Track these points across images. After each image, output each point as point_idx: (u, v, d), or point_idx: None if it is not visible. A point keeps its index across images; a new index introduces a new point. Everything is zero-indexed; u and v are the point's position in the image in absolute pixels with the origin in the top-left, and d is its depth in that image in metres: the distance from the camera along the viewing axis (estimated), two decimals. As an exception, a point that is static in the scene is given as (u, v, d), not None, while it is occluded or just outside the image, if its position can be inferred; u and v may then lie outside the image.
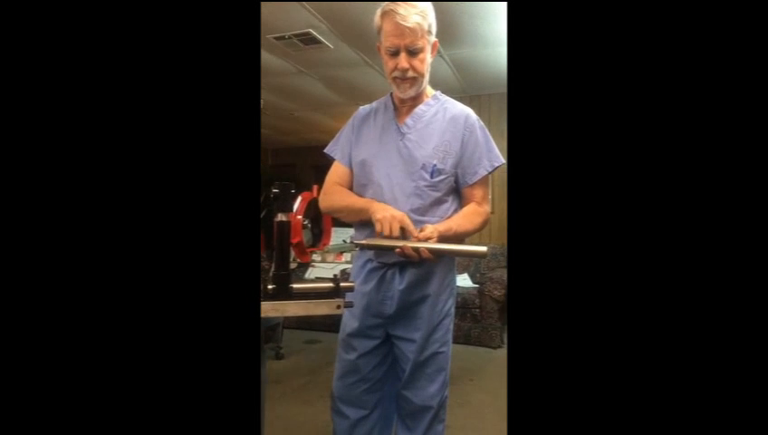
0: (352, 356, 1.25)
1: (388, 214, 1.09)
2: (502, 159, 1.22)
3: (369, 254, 1.23)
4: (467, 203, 1.25)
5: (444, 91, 1.30)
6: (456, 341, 1.30)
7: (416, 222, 1.14)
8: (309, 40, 3.06)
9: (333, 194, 1.27)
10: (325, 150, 1.34)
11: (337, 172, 1.29)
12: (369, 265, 1.23)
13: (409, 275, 1.19)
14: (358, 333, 1.24)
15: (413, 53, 1.12)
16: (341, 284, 1.00)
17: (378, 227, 1.09)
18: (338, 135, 1.33)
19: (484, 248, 1.04)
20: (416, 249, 1.07)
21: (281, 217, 1.00)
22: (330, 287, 1.00)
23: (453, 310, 1.28)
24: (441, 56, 3.43)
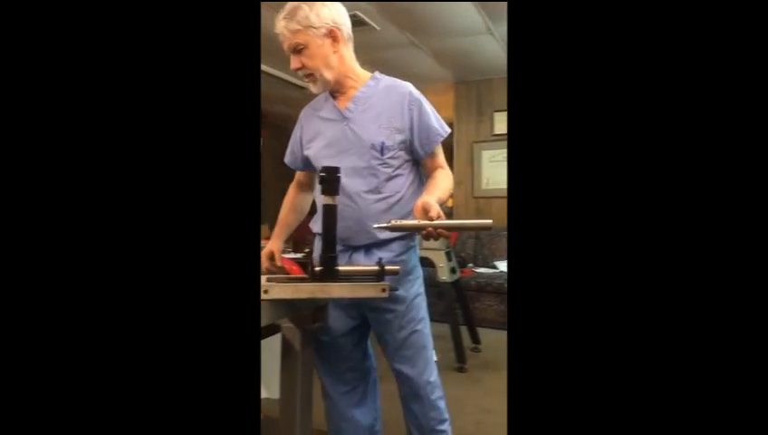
0: (327, 338, 1.30)
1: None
2: (448, 128, 1.30)
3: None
4: (432, 171, 1.28)
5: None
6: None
7: (373, 201, 1.21)
8: (356, 22, 3.05)
9: (283, 206, 1.45)
10: (285, 160, 1.42)
11: (297, 175, 1.44)
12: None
13: (374, 257, 1.22)
14: (333, 315, 1.29)
15: (297, 51, 1.20)
16: (386, 267, 1.01)
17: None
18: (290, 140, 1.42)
19: (489, 221, 1.09)
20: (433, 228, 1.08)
21: (327, 200, 1.01)
22: (375, 271, 1.01)
23: (422, 289, 1.32)
24: (417, 47, 3.33)
